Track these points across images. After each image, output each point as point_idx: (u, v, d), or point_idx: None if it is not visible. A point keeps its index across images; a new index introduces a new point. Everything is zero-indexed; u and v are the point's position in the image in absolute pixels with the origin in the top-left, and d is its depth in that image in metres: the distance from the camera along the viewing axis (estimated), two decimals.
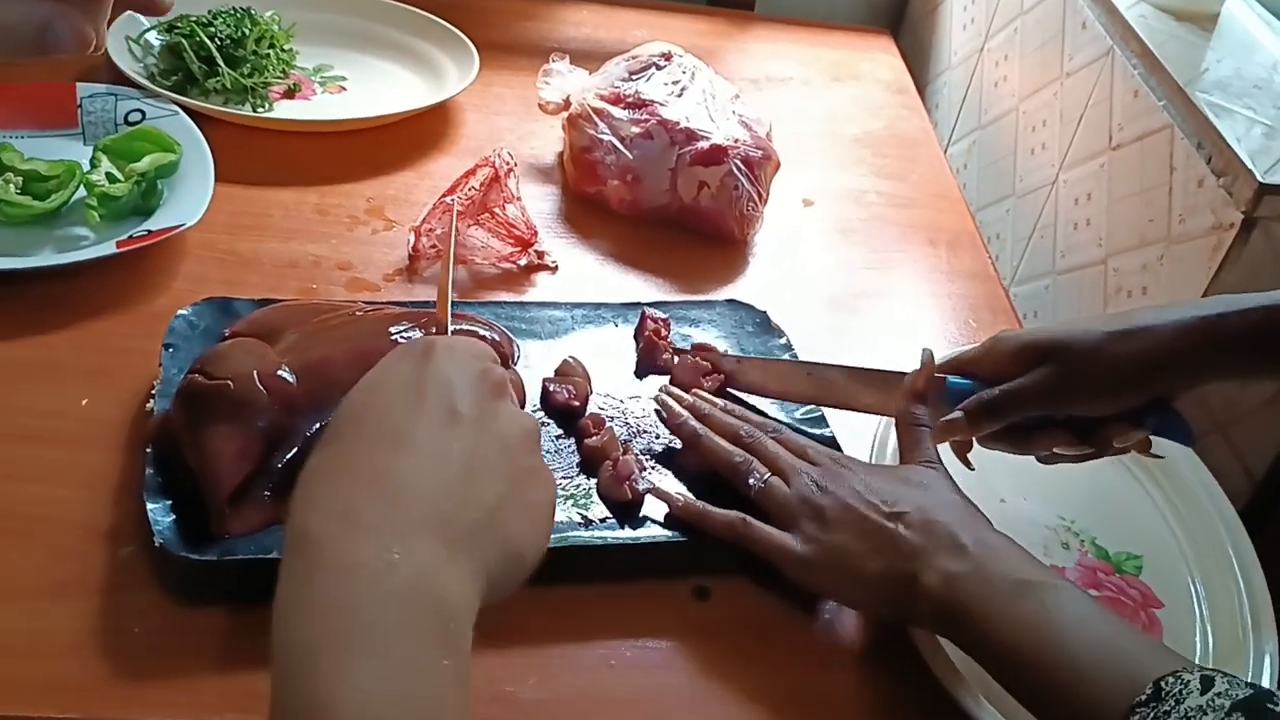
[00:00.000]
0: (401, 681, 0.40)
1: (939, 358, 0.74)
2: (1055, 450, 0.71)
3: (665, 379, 0.77)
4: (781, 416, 0.77)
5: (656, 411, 0.74)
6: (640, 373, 0.79)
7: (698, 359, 0.78)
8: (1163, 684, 0.50)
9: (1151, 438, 0.71)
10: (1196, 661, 0.68)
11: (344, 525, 0.44)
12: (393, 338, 0.68)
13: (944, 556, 0.60)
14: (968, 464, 0.73)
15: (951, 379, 0.71)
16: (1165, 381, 0.67)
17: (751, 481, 0.67)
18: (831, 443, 0.74)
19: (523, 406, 0.72)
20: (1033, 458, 0.73)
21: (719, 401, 0.74)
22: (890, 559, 0.62)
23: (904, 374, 0.72)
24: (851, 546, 0.63)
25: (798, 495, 0.65)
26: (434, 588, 0.43)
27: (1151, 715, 0.49)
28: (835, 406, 0.77)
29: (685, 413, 0.72)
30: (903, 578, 0.61)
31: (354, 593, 0.42)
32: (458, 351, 0.52)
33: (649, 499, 0.68)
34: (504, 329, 0.74)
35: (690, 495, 0.69)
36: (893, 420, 0.73)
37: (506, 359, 0.72)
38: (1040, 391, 0.67)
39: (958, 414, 0.69)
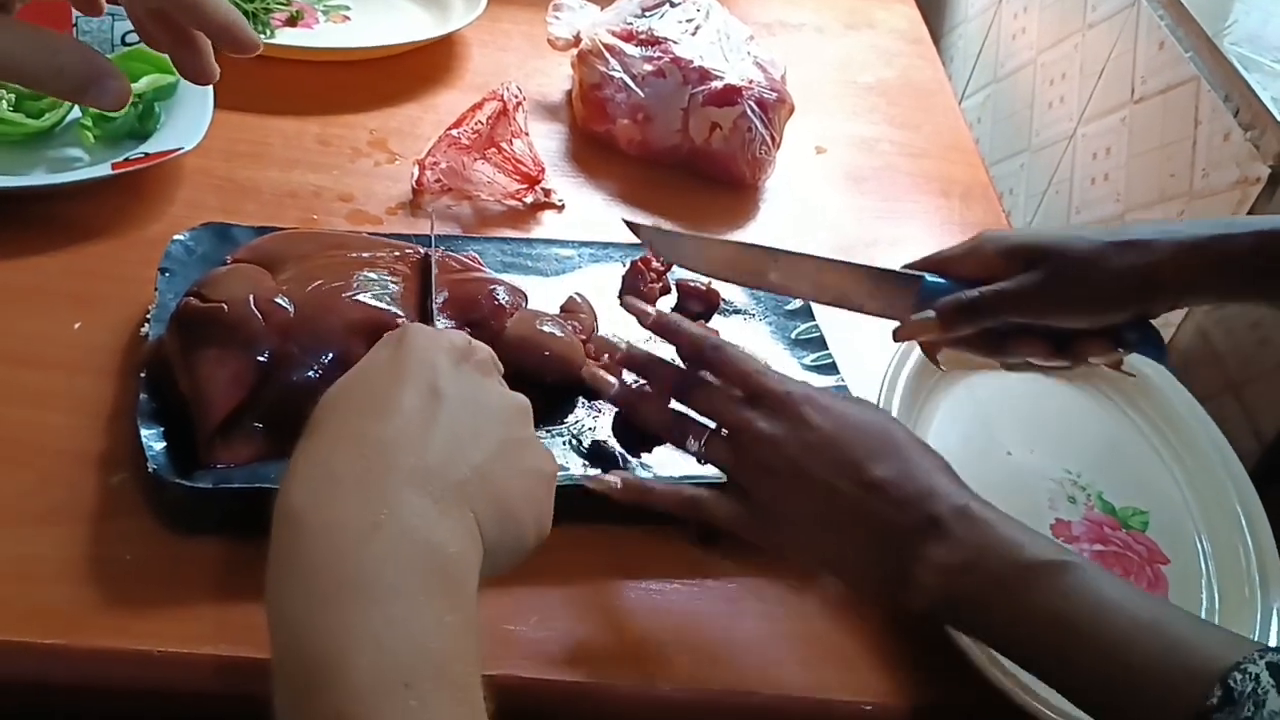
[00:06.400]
0: (409, 627, 0.38)
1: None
2: (1029, 360, 0.66)
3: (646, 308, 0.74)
4: (791, 365, 0.75)
5: (589, 390, 0.67)
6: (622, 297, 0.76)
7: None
8: (1231, 682, 0.45)
9: (1124, 354, 0.66)
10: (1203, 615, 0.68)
11: (325, 490, 0.42)
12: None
13: (933, 544, 0.54)
14: (936, 364, 0.69)
15: (928, 277, 0.66)
16: (1157, 299, 0.62)
17: (689, 446, 0.61)
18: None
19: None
20: (1042, 412, 0.71)
21: (640, 350, 0.66)
22: (878, 547, 0.55)
23: (881, 270, 0.67)
24: (822, 517, 0.56)
25: (750, 457, 0.58)
26: (425, 539, 0.41)
27: None
28: (802, 297, 0.74)
29: (615, 381, 0.65)
30: (894, 570, 0.55)
31: (341, 552, 0.40)
32: (436, 334, 0.51)
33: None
34: (511, 285, 0.71)
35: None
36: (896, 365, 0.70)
37: (502, 329, 0.68)
38: (1025, 297, 0.62)
39: (929, 313, 0.63)
